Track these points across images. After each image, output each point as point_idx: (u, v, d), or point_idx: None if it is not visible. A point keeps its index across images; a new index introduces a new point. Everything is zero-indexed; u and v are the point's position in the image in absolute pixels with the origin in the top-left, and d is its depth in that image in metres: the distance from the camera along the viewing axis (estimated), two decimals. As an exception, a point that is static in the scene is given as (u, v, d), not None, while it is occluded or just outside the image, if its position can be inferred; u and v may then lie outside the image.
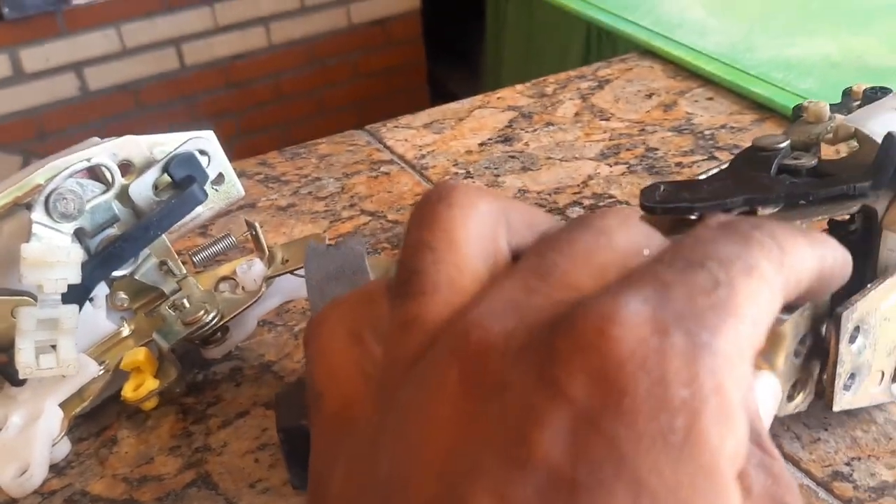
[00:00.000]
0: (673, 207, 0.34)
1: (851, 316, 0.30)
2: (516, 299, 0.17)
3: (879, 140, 0.34)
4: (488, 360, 0.16)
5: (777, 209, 0.34)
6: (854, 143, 0.37)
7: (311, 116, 2.31)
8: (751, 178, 0.35)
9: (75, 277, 0.35)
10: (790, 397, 0.26)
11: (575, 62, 1.53)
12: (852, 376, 0.31)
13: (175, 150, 0.39)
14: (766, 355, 0.24)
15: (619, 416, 0.15)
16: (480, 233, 0.19)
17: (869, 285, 0.31)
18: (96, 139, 0.39)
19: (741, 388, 0.16)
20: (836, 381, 0.30)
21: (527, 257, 0.19)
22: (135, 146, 0.38)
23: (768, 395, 0.22)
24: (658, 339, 0.15)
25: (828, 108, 0.37)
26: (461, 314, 0.17)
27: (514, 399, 0.15)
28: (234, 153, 0.62)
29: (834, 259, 0.20)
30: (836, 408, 0.31)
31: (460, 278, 0.18)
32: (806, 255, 0.19)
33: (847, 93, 0.40)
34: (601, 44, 1.38)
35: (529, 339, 0.16)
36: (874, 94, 0.38)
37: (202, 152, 0.40)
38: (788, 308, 0.24)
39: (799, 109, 0.37)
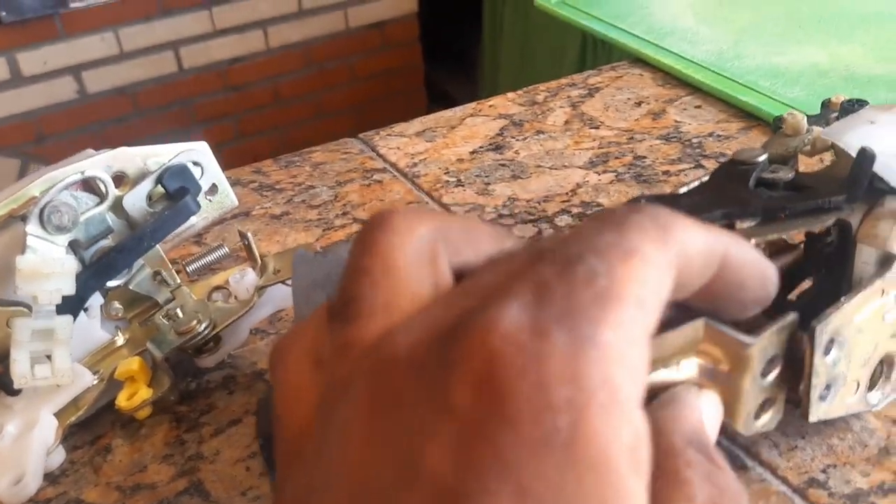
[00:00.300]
0: None
1: (825, 329, 0.30)
2: (435, 314, 0.18)
3: (854, 153, 0.34)
4: (391, 375, 0.17)
5: (754, 223, 0.35)
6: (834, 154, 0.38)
7: (309, 119, 2.32)
8: (729, 192, 0.36)
9: (70, 288, 0.36)
10: (757, 416, 0.27)
11: (571, 68, 1.54)
12: (827, 387, 0.32)
13: (169, 161, 0.39)
14: (729, 377, 0.24)
15: (502, 423, 0.15)
16: (419, 256, 0.19)
17: (843, 298, 0.32)
18: (91, 151, 0.39)
19: (635, 377, 0.16)
20: (811, 393, 0.31)
21: (468, 276, 0.19)
22: (128, 158, 0.39)
23: (711, 411, 0.23)
24: (537, 342, 0.15)
25: (805, 120, 0.37)
26: (387, 333, 0.18)
27: (408, 413, 0.16)
28: (231, 156, 0.63)
29: (740, 253, 0.20)
30: (811, 418, 0.31)
31: (397, 301, 0.19)
32: (694, 235, 0.19)
33: (825, 104, 0.41)
34: (597, 50, 1.38)
35: (427, 351, 0.16)
36: (851, 107, 0.39)
37: (196, 163, 0.41)
38: (753, 330, 0.25)
39: (779, 121, 0.38)
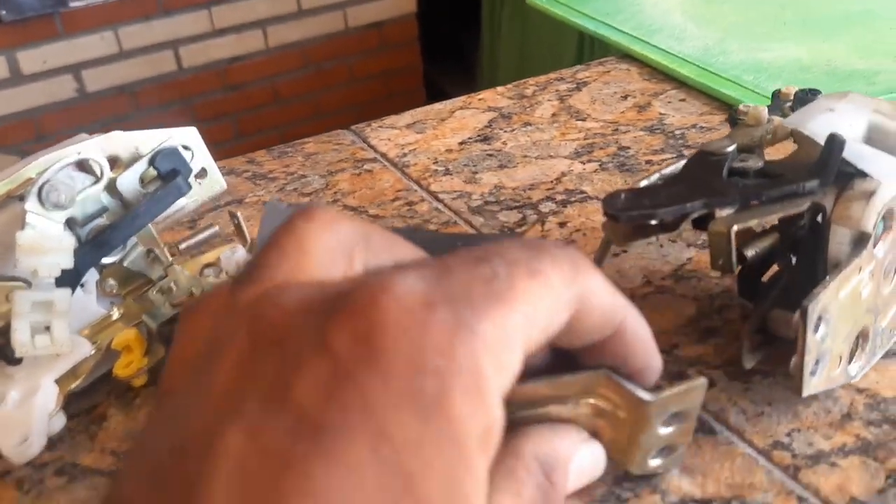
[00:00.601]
0: (636, 214, 0.36)
1: (816, 307, 0.32)
2: (332, 282, 0.19)
3: (820, 140, 0.36)
4: (275, 321, 0.18)
5: (733, 210, 0.36)
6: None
7: (308, 119, 2.33)
8: (705, 182, 0.37)
9: (68, 262, 0.37)
10: (654, 458, 0.27)
11: (568, 66, 1.55)
12: (817, 362, 0.33)
13: (160, 144, 0.41)
14: (626, 423, 0.24)
15: (373, 371, 0.16)
16: (334, 247, 0.20)
17: (828, 277, 0.33)
18: (85, 135, 0.41)
19: (502, 374, 0.17)
20: (804, 369, 0.32)
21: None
22: (122, 141, 0.40)
23: (587, 460, 0.23)
24: (424, 312, 0.17)
25: (766, 111, 0.39)
26: (279, 287, 0.19)
27: (286, 351, 0.17)
28: (230, 155, 0.64)
29: (638, 328, 0.22)
30: (805, 393, 0.33)
31: (300, 276, 0.19)
32: (602, 288, 0.20)
33: (776, 94, 0.42)
34: (594, 49, 1.40)
35: (316, 302, 0.18)
36: (805, 97, 0.40)
37: (186, 147, 0.42)
38: (652, 389, 0.24)
39: (736, 113, 0.40)
